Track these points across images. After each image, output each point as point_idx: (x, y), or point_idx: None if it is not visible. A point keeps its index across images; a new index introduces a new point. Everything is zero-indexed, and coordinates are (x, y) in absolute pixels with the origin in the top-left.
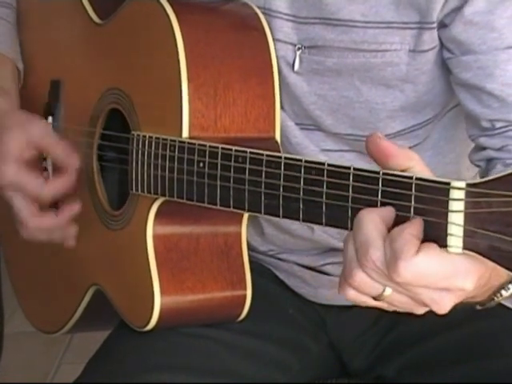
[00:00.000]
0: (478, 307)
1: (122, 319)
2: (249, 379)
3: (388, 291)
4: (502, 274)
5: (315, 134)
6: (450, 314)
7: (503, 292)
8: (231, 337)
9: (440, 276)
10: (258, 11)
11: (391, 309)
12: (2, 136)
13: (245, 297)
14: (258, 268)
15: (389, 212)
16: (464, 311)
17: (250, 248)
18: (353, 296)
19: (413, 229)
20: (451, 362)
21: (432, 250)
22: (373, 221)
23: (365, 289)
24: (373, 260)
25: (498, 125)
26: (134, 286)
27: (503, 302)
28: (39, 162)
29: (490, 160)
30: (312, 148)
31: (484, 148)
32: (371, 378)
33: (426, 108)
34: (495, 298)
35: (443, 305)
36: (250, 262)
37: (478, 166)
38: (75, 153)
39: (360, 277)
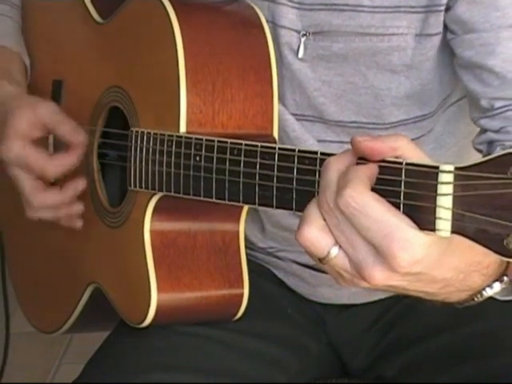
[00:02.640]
0: (458, 306)
1: (121, 319)
2: (248, 379)
3: (334, 252)
4: (476, 279)
5: (315, 126)
6: (448, 314)
7: (488, 290)
8: (230, 336)
9: (379, 228)
10: (258, 10)
11: (338, 280)
12: (11, 114)
13: (242, 295)
14: (256, 267)
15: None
16: (463, 311)
17: (249, 245)
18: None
19: (367, 170)
20: (451, 361)
21: (384, 201)
22: (337, 169)
23: (312, 247)
24: (327, 202)
25: (498, 104)
26: (132, 282)
27: (495, 296)
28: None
29: (490, 143)
30: (311, 141)
31: (485, 131)
32: (371, 378)
33: (431, 99)
34: (475, 299)
35: (374, 272)
36: (249, 261)
37: (479, 150)
38: (81, 130)
39: (310, 233)
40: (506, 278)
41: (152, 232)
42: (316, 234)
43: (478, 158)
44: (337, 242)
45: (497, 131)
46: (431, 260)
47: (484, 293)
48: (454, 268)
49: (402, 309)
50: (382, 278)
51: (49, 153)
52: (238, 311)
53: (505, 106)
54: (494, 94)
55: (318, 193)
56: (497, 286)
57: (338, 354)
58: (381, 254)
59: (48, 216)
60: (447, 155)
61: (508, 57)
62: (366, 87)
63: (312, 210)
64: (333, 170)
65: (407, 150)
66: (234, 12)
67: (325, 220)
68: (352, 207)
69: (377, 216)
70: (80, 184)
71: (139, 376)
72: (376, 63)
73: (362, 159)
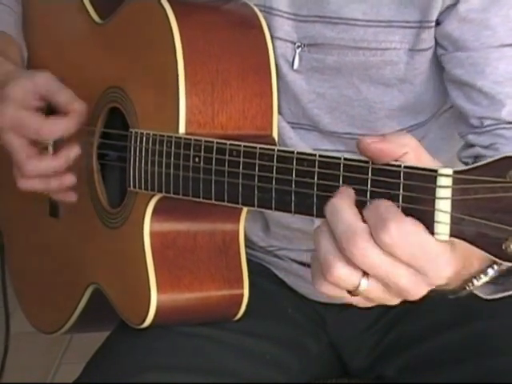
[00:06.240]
0: (451, 296)
1: (121, 319)
2: (248, 379)
3: (364, 284)
4: (473, 263)
5: (312, 134)
6: (448, 314)
7: (482, 276)
8: (231, 336)
9: (424, 251)
10: (257, 10)
11: (366, 305)
12: (8, 83)
13: (242, 296)
14: (257, 267)
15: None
16: (463, 311)
17: (250, 244)
18: (329, 291)
19: (388, 202)
20: (451, 361)
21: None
22: (349, 207)
23: (342, 283)
24: (359, 247)
25: (487, 122)
26: (132, 283)
27: (475, 292)
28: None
29: (477, 157)
30: (307, 149)
31: (472, 145)
32: (371, 378)
33: (425, 109)
34: (467, 288)
35: (419, 290)
36: (249, 261)
37: (465, 163)
38: (79, 99)
39: (338, 272)
40: (496, 267)
41: (152, 233)
42: (344, 272)
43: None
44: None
45: (486, 147)
46: (460, 261)
47: (475, 281)
48: (462, 257)
49: (402, 309)
50: (426, 292)
51: (43, 115)
52: (238, 311)
53: (494, 124)
54: (482, 114)
55: (316, 195)
56: (490, 271)
57: (338, 354)
58: (424, 273)
59: (39, 187)
60: (441, 161)
61: (497, 77)
62: (360, 100)
63: (325, 253)
64: (349, 214)
65: (413, 150)
66: (233, 12)
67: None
68: (398, 238)
69: (422, 243)
70: (73, 150)
71: (139, 376)
72: (369, 77)
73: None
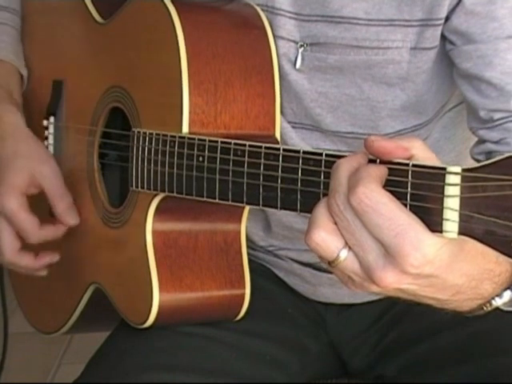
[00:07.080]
0: (468, 315)
1: (122, 319)
2: (248, 379)
3: (343, 254)
4: (487, 287)
5: (313, 134)
6: (448, 314)
7: (497, 299)
8: (231, 336)
9: (391, 225)
10: (260, 10)
11: (349, 286)
12: (14, 162)
13: (243, 296)
14: (257, 267)
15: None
16: None
17: (250, 244)
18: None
19: (378, 169)
20: (451, 361)
21: (396, 200)
22: (347, 168)
23: (320, 249)
24: (337, 204)
25: (497, 116)
26: (133, 282)
27: (500, 307)
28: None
29: (489, 153)
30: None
31: (483, 141)
32: (371, 378)
33: (427, 109)
34: (484, 308)
35: (386, 275)
36: (249, 261)
37: (477, 160)
38: (76, 211)
39: (316, 237)
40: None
41: (154, 232)
42: (325, 237)
43: (475, 163)
44: (346, 245)
45: (496, 142)
46: (442, 262)
47: (493, 302)
48: (465, 274)
49: (402, 308)
50: (392, 281)
51: (38, 221)
52: (239, 311)
53: (504, 118)
54: (492, 106)
55: (323, 194)
56: (507, 295)
57: (338, 354)
58: (391, 253)
59: (13, 269)
60: (445, 161)
61: (506, 68)
62: (362, 99)
63: (320, 212)
64: (343, 171)
65: (420, 151)
66: (236, 12)
67: (335, 222)
68: (364, 204)
69: (389, 214)
70: (54, 258)
71: (140, 376)
72: (371, 76)
73: (371, 162)
